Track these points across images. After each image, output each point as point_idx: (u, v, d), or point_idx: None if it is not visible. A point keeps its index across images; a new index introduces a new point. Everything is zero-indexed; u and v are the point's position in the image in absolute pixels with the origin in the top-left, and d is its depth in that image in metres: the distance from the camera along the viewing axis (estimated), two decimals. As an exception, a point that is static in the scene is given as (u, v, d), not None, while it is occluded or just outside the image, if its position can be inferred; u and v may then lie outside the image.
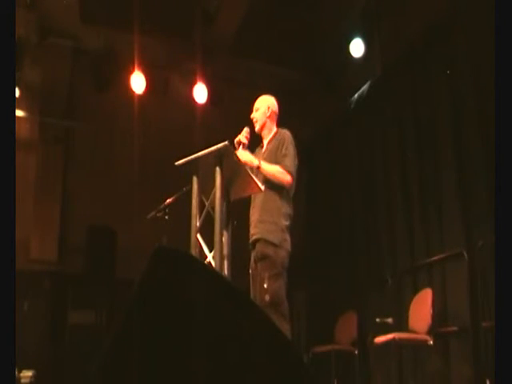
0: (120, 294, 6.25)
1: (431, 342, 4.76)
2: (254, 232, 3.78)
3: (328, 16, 6.82)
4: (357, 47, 6.58)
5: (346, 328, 6.27)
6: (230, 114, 5.52)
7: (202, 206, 3.40)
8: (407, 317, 5.24)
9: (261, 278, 3.62)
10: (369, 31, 6.53)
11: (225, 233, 3.38)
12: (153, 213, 4.88)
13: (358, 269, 6.63)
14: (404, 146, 6.15)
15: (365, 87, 6.99)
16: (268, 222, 3.71)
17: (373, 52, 6.57)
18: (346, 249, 7.07)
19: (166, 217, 4.81)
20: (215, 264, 3.20)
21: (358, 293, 6.46)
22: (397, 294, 5.88)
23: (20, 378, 5.55)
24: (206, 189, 3.38)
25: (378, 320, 5.52)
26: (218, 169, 3.27)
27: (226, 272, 3.31)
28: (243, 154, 3.66)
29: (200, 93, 7.23)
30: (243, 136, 3.78)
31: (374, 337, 5.10)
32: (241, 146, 3.74)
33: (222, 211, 3.26)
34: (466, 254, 4.92)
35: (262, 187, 3.53)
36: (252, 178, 3.49)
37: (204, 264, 1.53)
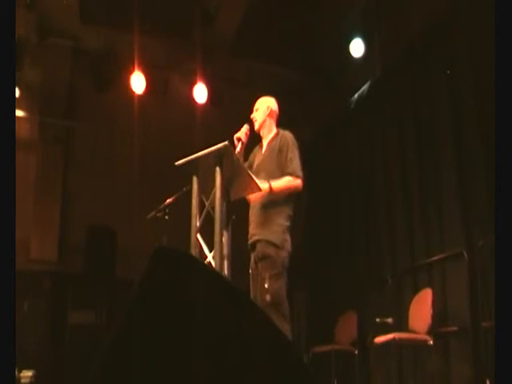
0: (120, 293, 6.25)
1: (431, 342, 4.76)
2: (255, 233, 3.78)
3: (328, 16, 6.82)
4: (357, 47, 6.58)
5: (346, 328, 6.27)
6: (230, 113, 5.52)
7: (202, 206, 3.40)
8: (407, 317, 5.23)
9: (261, 278, 3.62)
10: (369, 31, 6.53)
11: (225, 233, 3.38)
12: (153, 213, 4.87)
13: (358, 269, 6.62)
14: (404, 146, 6.15)
15: (365, 87, 6.99)
16: (269, 222, 3.71)
17: (373, 52, 6.57)
18: (346, 249, 7.07)
19: (166, 217, 4.81)
20: (215, 264, 3.20)
21: (358, 293, 6.46)
22: (397, 294, 5.88)
23: (20, 378, 5.55)
24: (206, 189, 3.38)
25: (377, 320, 5.52)
26: (217, 169, 3.27)
27: (226, 272, 3.31)
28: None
29: (200, 93, 7.23)
30: (243, 133, 3.78)
31: (374, 337, 5.10)
32: (240, 144, 3.74)
33: (221, 211, 3.26)
34: (465, 254, 4.92)
35: (262, 187, 3.53)
36: (252, 178, 3.49)
37: (204, 264, 1.53)
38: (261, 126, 4.04)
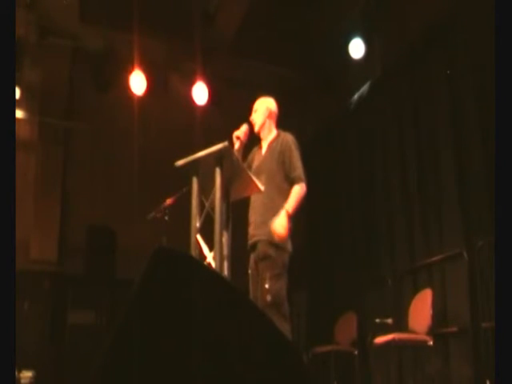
0: (120, 293, 6.25)
1: (431, 343, 4.76)
2: (255, 233, 3.77)
3: (328, 16, 6.82)
4: (357, 47, 6.57)
5: (346, 328, 6.27)
6: (230, 114, 5.51)
7: (201, 206, 3.40)
8: (407, 317, 5.23)
9: (262, 279, 3.62)
10: (369, 31, 6.53)
11: (225, 233, 3.38)
12: (153, 213, 4.88)
13: (358, 269, 6.62)
14: (404, 146, 6.15)
15: (365, 87, 6.99)
16: (270, 223, 3.71)
17: (373, 52, 6.57)
18: (345, 249, 7.07)
19: (166, 217, 4.82)
20: (215, 264, 3.20)
21: (358, 293, 6.46)
22: (397, 294, 5.88)
23: (20, 378, 5.56)
24: (206, 189, 3.38)
25: (377, 320, 5.52)
26: (217, 169, 3.27)
27: (225, 272, 3.31)
28: (280, 227, 3.59)
29: (200, 93, 7.23)
30: (242, 132, 3.78)
31: (374, 337, 5.10)
32: (238, 142, 3.74)
33: (221, 212, 3.26)
34: (465, 254, 4.92)
35: (262, 188, 3.52)
36: (252, 179, 3.49)
37: (203, 264, 1.53)
38: (260, 128, 4.04)
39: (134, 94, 6.95)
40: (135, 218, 5.81)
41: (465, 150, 5.20)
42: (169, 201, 4.79)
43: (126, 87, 6.92)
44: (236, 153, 3.59)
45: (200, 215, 3.36)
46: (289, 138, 3.96)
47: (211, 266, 3.20)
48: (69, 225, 7.18)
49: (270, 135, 4.04)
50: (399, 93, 6.33)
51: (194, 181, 3.40)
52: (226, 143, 3.27)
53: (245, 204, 3.89)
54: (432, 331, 4.81)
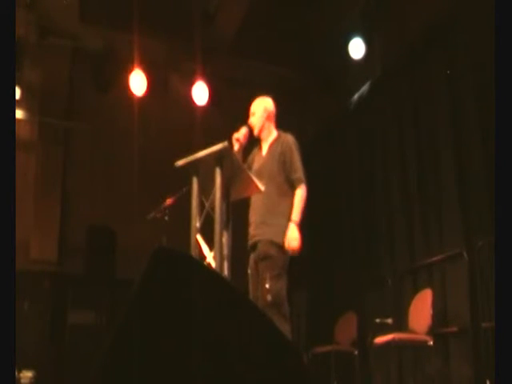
0: (120, 293, 6.25)
1: (431, 343, 4.76)
2: (256, 233, 3.77)
3: (328, 16, 6.82)
4: (357, 47, 6.57)
5: (346, 328, 6.26)
6: (230, 114, 5.51)
7: (201, 206, 3.40)
8: (407, 317, 5.23)
9: (262, 278, 3.62)
10: (369, 31, 6.53)
11: (225, 233, 3.38)
12: (153, 213, 4.88)
13: (358, 269, 6.63)
14: (404, 146, 6.15)
15: (365, 87, 6.99)
16: (272, 223, 3.72)
17: (373, 52, 6.57)
18: (345, 249, 7.07)
19: (166, 217, 4.82)
20: (215, 264, 3.20)
21: (358, 293, 6.46)
22: (397, 294, 5.88)
23: (20, 378, 5.56)
24: (206, 189, 3.38)
25: (377, 320, 5.52)
26: (217, 169, 3.27)
27: (225, 272, 3.31)
28: (293, 241, 3.67)
29: (200, 93, 7.23)
30: (241, 134, 3.78)
31: (374, 337, 5.10)
32: (238, 144, 3.74)
33: (221, 212, 3.26)
34: (465, 254, 4.92)
35: (262, 188, 3.53)
36: (252, 179, 3.49)
37: (203, 264, 1.53)
38: (260, 131, 4.03)
39: (134, 94, 6.95)
40: (135, 217, 5.81)
41: (465, 150, 5.20)
42: (169, 201, 4.79)
43: (126, 87, 6.92)
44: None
45: (200, 215, 3.36)
46: (289, 139, 3.95)
47: (211, 266, 3.20)
48: (69, 225, 7.18)
49: (270, 136, 4.04)
50: (399, 93, 6.32)
51: (194, 181, 3.40)
52: (226, 143, 3.27)
53: (245, 204, 3.89)
54: (432, 331, 4.80)
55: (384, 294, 6.07)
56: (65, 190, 7.28)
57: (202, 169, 3.38)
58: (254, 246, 3.77)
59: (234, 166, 3.39)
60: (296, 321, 6.80)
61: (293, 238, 3.64)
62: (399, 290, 5.88)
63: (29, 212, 6.77)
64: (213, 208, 3.32)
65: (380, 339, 4.94)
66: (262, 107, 4.03)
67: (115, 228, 6.80)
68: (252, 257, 3.81)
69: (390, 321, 5.45)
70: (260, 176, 3.71)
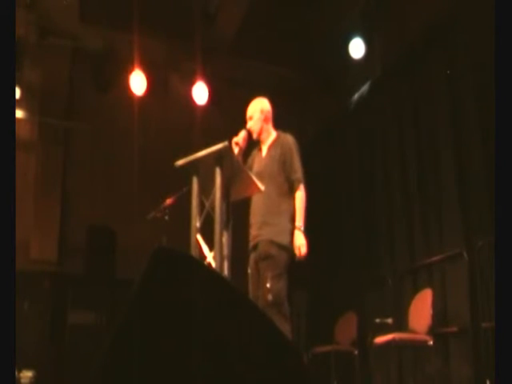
0: (120, 293, 6.25)
1: (431, 343, 4.76)
2: (258, 234, 3.78)
3: (328, 16, 6.82)
4: (357, 47, 6.57)
5: (346, 328, 6.26)
6: (230, 114, 5.51)
7: (202, 206, 3.41)
8: (407, 317, 5.23)
9: (263, 278, 3.63)
10: (369, 31, 6.53)
11: (225, 233, 3.38)
12: (153, 213, 4.88)
13: (358, 269, 6.62)
14: (404, 146, 6.15)
15: (365, 87, 6.99)
16: (273, 223, 3.73)
17: (373, 52, 6.57)
18: (346, 249, 7.07)
19: (166, 217, 4.82)
20: (215, 264, 3.20)
21: (358, 293, 6.46)
22: (397, 294, 5.88)
23: (20, 378, 5.56)
24: (206, 189, 3.38)
25: (377, 320, 5.52)
26: (217, 169, 3.27)
27: (225, 272, 3.31)
28: (302, 247, 3.71)
29: (200, 93, 7.23)
30: (240, 138, 3.78)
31: (374, 337, 5.10)
32: (237, 148, 3.74)
33: (222, 211, 3.26)
34: (465, 254, 4.92)
35: (262, 188, 3.53)
36: (252, 179, 3.49)
37: (203, 264, 1.53)
38: (259, 135, 4.03)
39: (134, 94, 6.95)
40: (135, 217, 5.81)
41: (465, 150, 5.20)
42: (169, 201, 4.79)
43: (126, 87, 6.92)
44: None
45: (200, 215, 3.36)
46: (289, 139, 3.96)
47: (211, 266, 3.20)
48: (69, 225, 7.18)
49: (269, 137, 4.04)
50: (399, 93, 6.32)
51: (194, 181, 3.40)
52: (226, 143, 3.27)
53: (245, 204, 3.89)
54: (432, 331, 4.80)
55: (384, 294, 6.07)
56: (65, 189, 7.28)
57: (202, 169, 3.38)
58: (255, 246, 3.78)
59: (234, 166, 3.39)
60: (296, 321, 6.80)
61: (301, 244, 3.68)
62: (399, 290, 5.88)
63: (29, 212, 6.77)
64: (213, 208, 3.32)
65: (380, 339, 4.94)
66: (258, 110, 4.01)
67: (115, 228, 6.80)
68: (252, 256, 3.81)
69: (390, 321, 5.45)
70: (260, 177, 3.71)
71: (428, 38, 5.81)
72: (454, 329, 5.01)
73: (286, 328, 3.49)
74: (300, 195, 3.81)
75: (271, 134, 4.04)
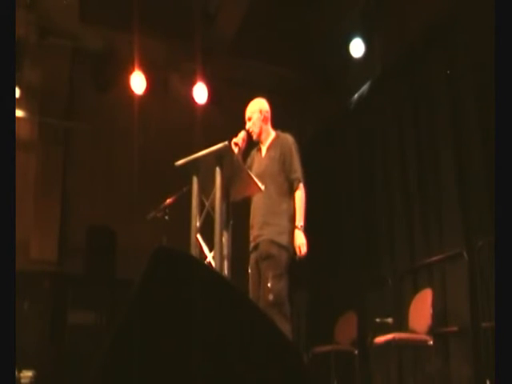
0: (120, 293, 6.25)
1: (431, 342, 4.76)
2: (259, 234, 3.78)
3: (328, 16, 6.82)
4: (357, 47, 6.58)
5: (346, 328, 6.26)
6: (230, 114, 5.51)
7: (202, 206, 3.41)
8: (407, 317, 5.23)
9: (264, 278, 3.63)
10: (369, 31, 6.53)
11: (225, 233, 3.38)
12: (153, 213, 4.88)
13: (358, 269, 6.62)
14: (404, 146, 6.15)
15: (365, 87, 6.99)
16: (273, 223, 3.74)
17: (373, 52, 6.57)
18: (345, 249, 7.07)
19: (166, 217, 4.82)
20: (215, 264, 3.20)
21: (357, 293, 6.46)
22: (397, 294, 5.88)
23: (20, 378, 5.55)
24: (206, 189, 3.39)
25: (377, 320, 5.52)
26: (217, 169, 3.28)
27: (226, 272, 3.31)
28: (303, 246, 3.74)
29: (200, 93, 7.23)
30: (240, 138, 3.78)
31: (374, 337, 5.10)
32: (237, 149, 3.74)
33: (222, 211, 3.27)
34: (465, 254, 4.92)
35: (262, 187, 3.53)
36: (252, 178, 3.50)
37: (204, 264, 1.53)
38: (259, 135, 4.04)
39: (134, 94, 6.95)
40: (135, 217, 5.81)
41: (465, 150, 5.20)
42: (169, 201, 4.78)
43: (126, 87, 6.92)
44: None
45: (200, 215, 3.36)
46: (289, 139, 3.97)
47: (211, 266, 3.20)
48: (69, 225, 7.18)
49: (268, 138, 4.05)
50: (399, 93, 6.32)
51: (194, 180, 3.40)
52: (226, 143, 3.27)
53: (245, 204, 3.90)
54: (432, 331, 4.80)
55: (384, 293, 6.07)
56: (65, 190, 7.28)
57: (202, 168, 3.38)
58: (256, 246, 3.79)
59: (234, 166, 3.40)
60: (296, 321, 6.80)
61: (301, 243, 3.70)
62: (399, 290, 5.88)
63: (29, 212, 6.77)
64: (213, 208, 3.32)
65: (380, 339, 4.94)
66: (257, 111, 4.02)
67: (115, 228, 6.79)
68: (253, 256, 3.81)
69: (390, 320, 5.45)
70: (260, 177, 3.71)
71: (428, 38, 5.81)
72: (454, 329, 5.01)
73: (286, 328, 3.49)
74: (300, 195, 3.82)
75: (270, 134, 4.05)
